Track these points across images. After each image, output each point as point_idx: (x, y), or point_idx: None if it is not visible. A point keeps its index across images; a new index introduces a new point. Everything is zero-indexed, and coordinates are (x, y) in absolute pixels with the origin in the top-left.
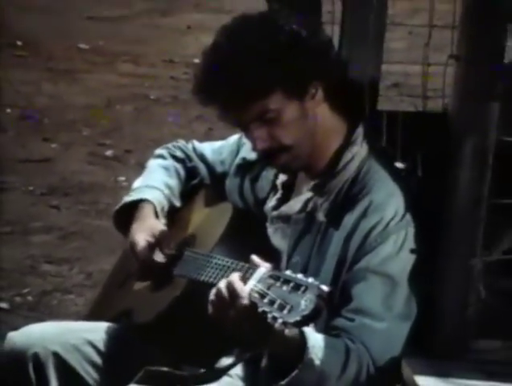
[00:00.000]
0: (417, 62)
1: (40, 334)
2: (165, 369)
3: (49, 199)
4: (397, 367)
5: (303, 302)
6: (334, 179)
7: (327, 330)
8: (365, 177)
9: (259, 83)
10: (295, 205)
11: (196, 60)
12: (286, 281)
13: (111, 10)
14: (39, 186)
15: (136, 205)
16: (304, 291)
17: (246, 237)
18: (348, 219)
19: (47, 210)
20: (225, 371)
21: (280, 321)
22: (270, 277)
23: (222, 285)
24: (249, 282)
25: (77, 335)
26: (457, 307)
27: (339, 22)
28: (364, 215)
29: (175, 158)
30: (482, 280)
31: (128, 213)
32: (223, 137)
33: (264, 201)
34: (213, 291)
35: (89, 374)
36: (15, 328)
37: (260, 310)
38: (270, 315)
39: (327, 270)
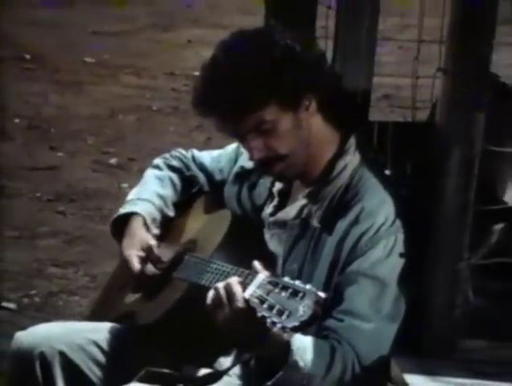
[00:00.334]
0: (406, 75)
1: (47, 334)
2: (165, 370)
3: (55, 205)
4: (386, 366)
5: (301, 308)
6: (328, 187)
7: (319, 330)
8: (357, 185)
9: (255, 95)
10: (290, 211)
11: (196, 73)
12: (285, 288)
13: (115, 26)
14: (46, 192)
15: (128, 218)
16: (302, 297)
17: (244, 243)
18: (341, 225)
19: (53, 215)
20: (224, 373)
21: (279, 326)
22: (269, 283)
23: (221, 285)
24: (249, 288)
25: (82, 335)
26: (445, 308)
27: (332, 36)
28: (356, 221)
29: (171, 168)
30: (469, 282)
31: (122, 223)
32: (221, 146)
33: (261, 208)
34: (212, 290)
35: (93, 372)
36: (23, 328)
37: (259, 315)
38: (269, 320)
39: (320, 273)
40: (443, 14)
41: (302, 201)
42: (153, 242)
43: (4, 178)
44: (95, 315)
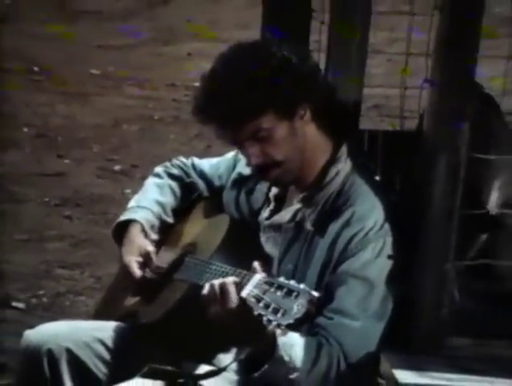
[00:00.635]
0: (395, 86)
1: (54, 332)
2: (167, 367)
3: (62, 210)
4: (374, 362)
5: (295, 307)
6: (321, 192)
7: (310, 327)
8: (349, 190)
9: (252, 105)
10: (285, 215)
11: (196, 84)
12: (280, 287)
13: (119, 40)
14: (54, 197)
15: (128, 224)
16: (296, 296)
17: (242, 245)
18: (333, 228)
19: (60, 220)
20: (223, 369)
21: (274, 323)
22: (265, 283)
23: (216, 283)
24: (246, 287)
25: (88, 333)
26: (432, 308)
27: (325, 50)
28: (347, 224)
29: (171, 176)
30: (455, 283)
31: (122, 229)
32: (220, 154)
33: (258, 212)
34: (207, 286)
35: (99, 368)
36: (31, 327)
37: (256, 313)
38: (265, 318)
39: (312, 273)
40: (429, 29)
41: (296, 205)
42: (150, 248)
43: (14, 184)
44: (100, 314)
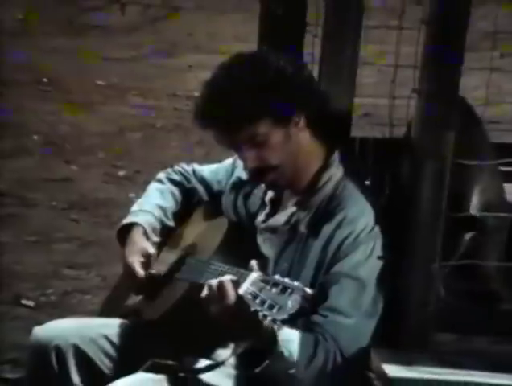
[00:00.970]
0: (384, 95)
1: (62, 329)
2: (168, 362)
3: (69, 213)
4: (366, 357)
5: (289, 303)
6: (314, 196)
7: (306, 324)
8: (341, 194)
9: (250, 111)
10: (280, 218)
11: (196, 94)
12: (275, 285)
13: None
14: (61, 202)
15: (130, 227)
16: (291, 293)
17: (240, 246)
18: (326, 231)
19: (67, 222)
20: (222, 363)
21: (270, 318)
22: (261, 280)
23: (214, 282)
24: (243, 285)
25: (94, 330)
26: (420, 305)
27: (318, 61)
28: (339, 226)
29: (172, 181)
30: (441, 282)
31: (125, 232)
32: (219, 160)
33: (255, 215)
34: (205, 286)
35: (104, 363)
36: (40, 323)
37: (252, 309)
38: (261, 313)
39: (306, 274)
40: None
41: (291, 209)
42: (152, 250)
43: (24, 189)
44: (105, 312)
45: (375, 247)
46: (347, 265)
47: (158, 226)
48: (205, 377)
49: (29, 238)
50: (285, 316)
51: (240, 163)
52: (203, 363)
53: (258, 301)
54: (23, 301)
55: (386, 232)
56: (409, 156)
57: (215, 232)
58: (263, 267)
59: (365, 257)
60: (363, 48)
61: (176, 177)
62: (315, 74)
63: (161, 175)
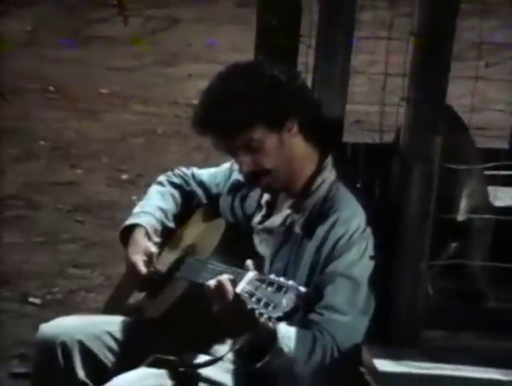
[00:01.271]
0: (375, 103)
1: (67, 326)
2: (169, 357)
3: (75, 215)
4: (358, 352)
5: (284, 301)
6: (308, 199)
7: (303, 322)
8: (334, 197)
9: (245, 119)
10: (276, 220)
11: (195, 102)
12: (271, 283)
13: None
14: (67, 204)
15: (133, 228)
16: (285, 292)
17: (237, 247)
18: (320, 232)
19: (72, 224)
20: (220, 358)
21: (266, 316)
22: (257, 279)
23: (212, 282)
24: (240, 284)
25: (98, 327)
26: (409, 303)
27: (311, 70)
28: (333, 227)
29: (172, 184)
30: (429, 281)
31: (128, 233)
32: (217, 164)
33: (251, 217)
34: (205, 287)
35: (108, 359)
36: (46, 320)
37: (249, 307)
38: (257, 311)
39: (302, 274)
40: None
41: (286, 211)
42: (153, 249)
43: (31, 192)
44: (109, 310)
45: (367, 247)
46: (341, 265)
47: (159, 227)
48: (204, 372)
49: (36, 239)
50: (280, 314)
51: (237, 167)
52: (202, 358)
53: (254, 299)
54: (30, 299)
55: (377, 233)
56: (398, 160)
57: (213, 232)
58: (259, 267)
59: (359, 257)
60: (354, 58)
61: (176, 180)
62: (309, 82)
63: (162, 178)
